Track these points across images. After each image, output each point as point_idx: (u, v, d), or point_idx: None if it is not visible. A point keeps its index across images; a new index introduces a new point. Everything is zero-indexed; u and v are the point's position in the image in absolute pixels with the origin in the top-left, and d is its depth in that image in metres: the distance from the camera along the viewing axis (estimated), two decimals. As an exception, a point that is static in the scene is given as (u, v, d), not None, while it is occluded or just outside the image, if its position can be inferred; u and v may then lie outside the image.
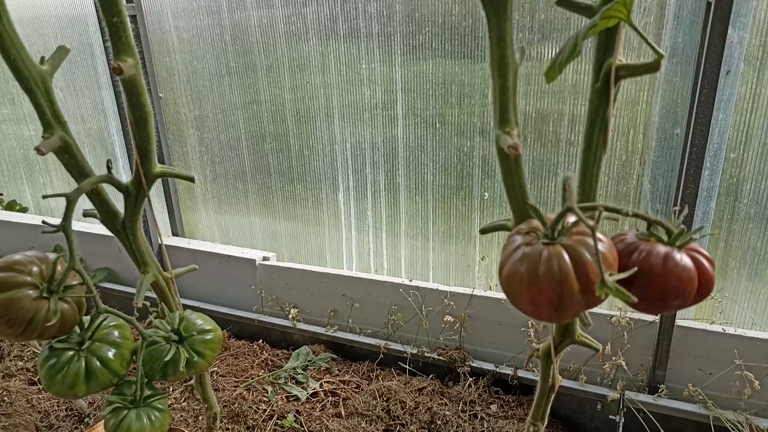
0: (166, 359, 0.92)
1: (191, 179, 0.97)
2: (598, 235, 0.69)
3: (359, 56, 2.13)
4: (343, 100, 2.21)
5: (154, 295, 1.06)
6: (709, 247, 1.82)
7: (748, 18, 1.55)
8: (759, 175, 1.69)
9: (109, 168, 0.93)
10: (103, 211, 0.98)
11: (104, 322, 0.94)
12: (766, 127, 1.64)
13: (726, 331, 1.78)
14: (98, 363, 0.89)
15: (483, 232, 0.87)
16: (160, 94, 2.50)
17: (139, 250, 1.01)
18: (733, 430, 1.69)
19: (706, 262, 0.74)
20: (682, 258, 0.73)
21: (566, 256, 0.68)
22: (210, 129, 2.51)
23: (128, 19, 0.82)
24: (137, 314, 0.95)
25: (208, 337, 0.98)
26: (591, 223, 0.67)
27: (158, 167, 0.95)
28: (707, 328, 1.80)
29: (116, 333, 0.93)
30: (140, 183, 0.94)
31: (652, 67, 0.68)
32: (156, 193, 2.68)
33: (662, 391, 1.84)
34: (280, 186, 2.46)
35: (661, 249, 0.74)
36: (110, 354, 0.91)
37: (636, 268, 0.71)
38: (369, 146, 2.23)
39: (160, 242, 2.59)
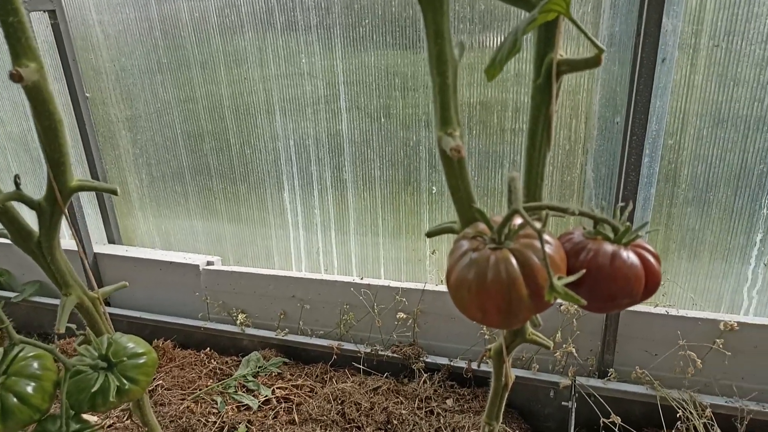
0: (93, 389, 0.84)
1: (114, 192, 0.89)
2: (546, 236, 0.67)
3: (298, 49, 2.05)
4: (284, 95, 2.14)
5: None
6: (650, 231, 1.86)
7: (680, 6, 1.58)
8: (695, 160, 1.73)
9: (17, 184, 0.84)
10: (15, 230, 0.88)
11: (21, 353, 0.85)
12: (701, 112, 1.68)
13: (669, 313, 1.83)
14: (15, 399, 0.81)
15: (429, 235, 0.84)
16: (87, 94, 2.35)
17: (59, 270, 0.92)
18: (679, 408, 1.74)
19: (652, 259, 0.73)
20: (629, 256, 0.72)
21: (514, 261, 0.65)
22: (144, 129, 2.38)
23: (27, 19, 0.74)
24: (57, 343, 0.87)
25: (141, 360, 0.90)
26: (537, 226, 0.64)
27: (75, 180, 0.86)
28: (652, 311, 1.85)
29: (35, 364, 0.85)
30: (55, 199, 0.85)
31: (593, 62, 0.66)
32: (88, 199, 2.53)
33: (611, 374, 1.88)
34: (222, 187, 2.36)
35: (608, 248, 0.72)
36: (29, 388, 0.82)
37: (584, 270, 0.69)
38: (313, 142, 2.16)
39: (83, 256, 2.45)
